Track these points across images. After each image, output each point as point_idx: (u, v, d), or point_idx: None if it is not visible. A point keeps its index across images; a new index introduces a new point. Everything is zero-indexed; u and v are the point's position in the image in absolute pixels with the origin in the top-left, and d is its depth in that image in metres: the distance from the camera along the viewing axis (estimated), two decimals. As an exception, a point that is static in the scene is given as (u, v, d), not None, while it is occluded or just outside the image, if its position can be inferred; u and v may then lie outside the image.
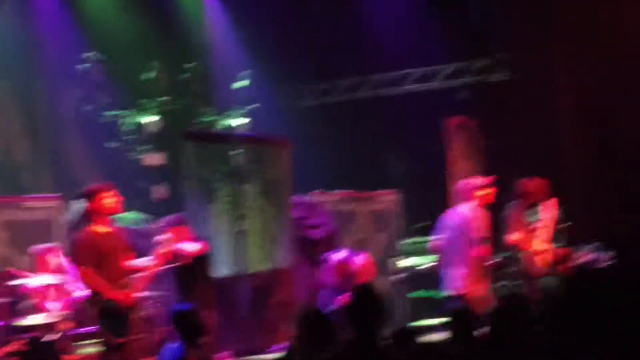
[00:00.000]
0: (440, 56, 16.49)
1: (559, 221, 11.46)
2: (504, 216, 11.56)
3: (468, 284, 10.38)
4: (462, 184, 10.67)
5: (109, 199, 9.17)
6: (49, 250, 10.51)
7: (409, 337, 6.58)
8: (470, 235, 10.19)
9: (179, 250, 10.45)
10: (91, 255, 8.93)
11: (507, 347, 6.03)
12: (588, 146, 15.35)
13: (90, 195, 9.18)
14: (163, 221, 10.81)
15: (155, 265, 9.58)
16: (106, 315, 8.97)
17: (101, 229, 9.09)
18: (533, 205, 11.33)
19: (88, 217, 9.16)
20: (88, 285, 9.09)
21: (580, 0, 14.86)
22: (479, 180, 10.31)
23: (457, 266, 10.47)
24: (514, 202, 11.43)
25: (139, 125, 14.71)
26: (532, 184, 11.24)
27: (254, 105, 15.90)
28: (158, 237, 10.01)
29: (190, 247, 10.71)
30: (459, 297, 10.34)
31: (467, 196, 10.42)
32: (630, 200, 14.32)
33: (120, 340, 8.92)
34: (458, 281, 10.50)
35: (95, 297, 9.03)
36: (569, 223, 10.86)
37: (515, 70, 16.13)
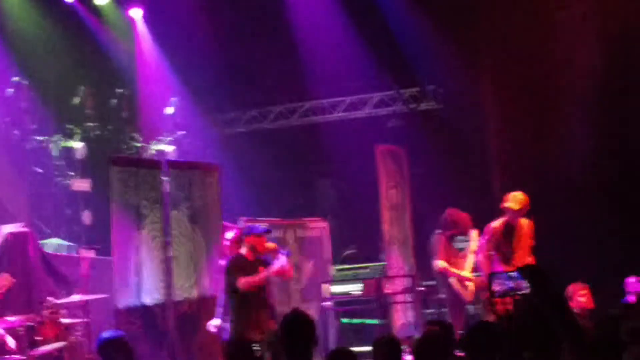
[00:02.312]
0: (371, 85, 16.63)
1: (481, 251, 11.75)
2: (431, 244, 11.69)
3: None
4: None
5: None
6: None
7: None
8: None
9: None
10: None
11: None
12: (514, 176, 15.53)
13: None
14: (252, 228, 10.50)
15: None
16: None
17: None
18: (457, 234, 11.56)
19: None
20: None
21: (507, 30, 15.06)
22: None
23: None
24: (440, 230, 11.58)
25: (67, 150, 14.56)
26: (457, 214, 11.44)
27: (183, 132, 15.87)
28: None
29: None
30: None
31: None
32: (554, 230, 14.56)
33: None
34: None
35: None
36: (491, 253, 11.03)
37: (444, 99, 16.32)
